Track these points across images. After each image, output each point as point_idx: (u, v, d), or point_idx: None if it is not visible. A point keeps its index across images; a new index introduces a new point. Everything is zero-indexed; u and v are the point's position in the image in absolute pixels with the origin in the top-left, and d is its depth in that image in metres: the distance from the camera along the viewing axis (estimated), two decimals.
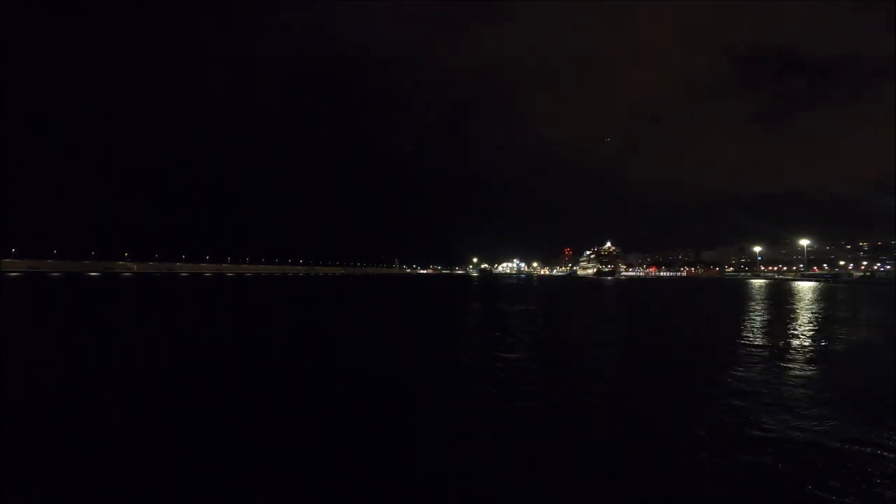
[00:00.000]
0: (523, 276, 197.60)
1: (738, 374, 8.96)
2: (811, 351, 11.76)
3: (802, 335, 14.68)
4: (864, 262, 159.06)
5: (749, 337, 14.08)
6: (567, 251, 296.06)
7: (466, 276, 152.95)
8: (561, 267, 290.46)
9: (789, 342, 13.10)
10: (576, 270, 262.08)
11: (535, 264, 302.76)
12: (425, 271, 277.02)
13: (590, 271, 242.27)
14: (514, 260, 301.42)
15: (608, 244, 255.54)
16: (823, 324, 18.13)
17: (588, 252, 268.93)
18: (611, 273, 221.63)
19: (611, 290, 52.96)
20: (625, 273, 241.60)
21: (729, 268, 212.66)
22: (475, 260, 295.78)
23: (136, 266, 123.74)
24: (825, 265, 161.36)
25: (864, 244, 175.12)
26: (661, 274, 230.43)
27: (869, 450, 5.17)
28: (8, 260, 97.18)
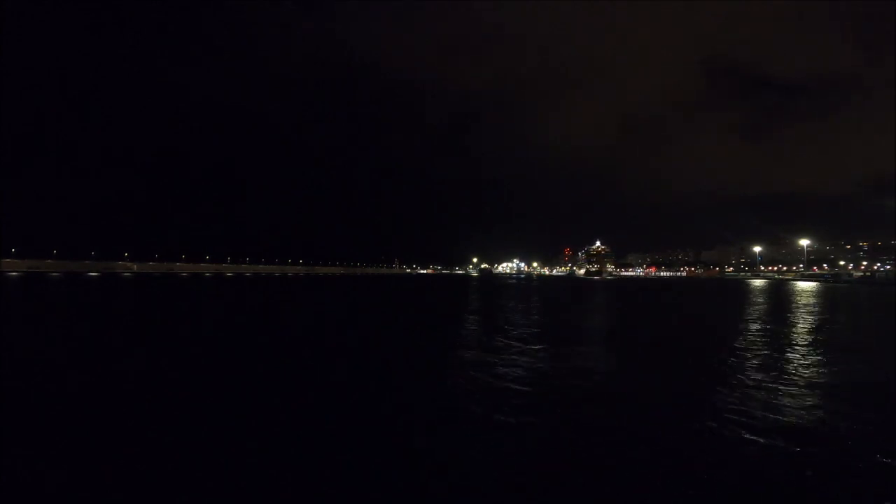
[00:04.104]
0: (523, 276, 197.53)
1: None
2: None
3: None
4: (864, 262, 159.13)
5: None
6: (567, 251, 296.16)
7: (466, 276, 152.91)
8: (561, 267, 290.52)
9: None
10: (575, 270, 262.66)
11: (535, 264, 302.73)
12: (425, 271, 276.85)
13: (582, 271, 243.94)
14: (515, 260, 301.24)
15: (597, 244, 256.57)
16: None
17: (581, 252, 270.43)
18: (598, 273, 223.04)
19: (572, 290, 52.93)
20: (624, 273, 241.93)
21: (729, 268, 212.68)
22: (475, 260, 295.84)
23: (136, 266, 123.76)
24: (825, 265, 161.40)
25: (864, 244, 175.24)
26: (661, 274, 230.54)
27: None
28: (8, 260, 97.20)
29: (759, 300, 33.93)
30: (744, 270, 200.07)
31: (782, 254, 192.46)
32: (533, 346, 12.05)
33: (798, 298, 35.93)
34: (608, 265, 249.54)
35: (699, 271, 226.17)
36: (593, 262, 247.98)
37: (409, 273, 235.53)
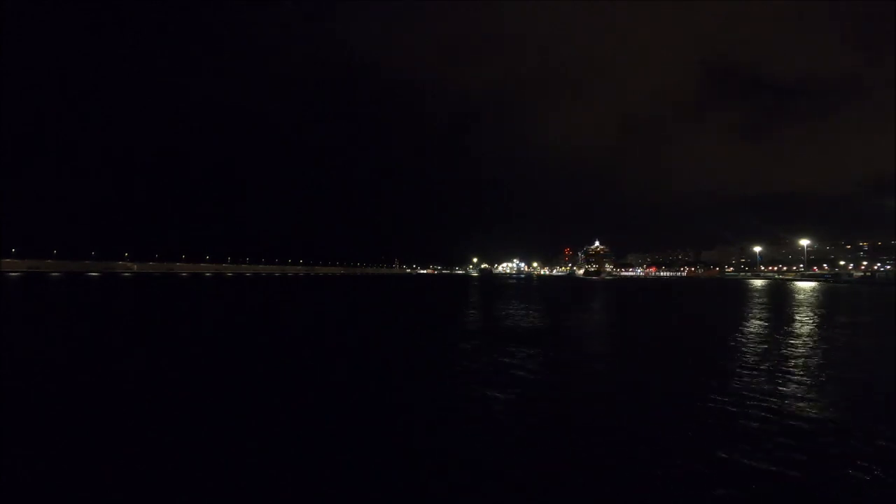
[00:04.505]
0: (523, 276, 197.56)
1: None
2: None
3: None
4: (864, 262, 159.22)
5: None
6: (567, 251, 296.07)
7: (466, 277, 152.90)
8: (561, 267, 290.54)
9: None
10: (575, 270, 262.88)
11: (535, 264, 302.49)
12: (425, 271, 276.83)
13: (581, 271, 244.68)
14: (515, 260, 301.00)
15: (596, 244, 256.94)
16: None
17: (580, 252, 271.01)
18: (596, 273, 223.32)
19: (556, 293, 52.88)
20: (624, 273, 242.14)
21: (729, 268, 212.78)
22: (475, 260, 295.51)
23: (136, 266, 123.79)
24: (825, 265, 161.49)
25: (864, 244, 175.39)
26: (661, 274, 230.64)
27: None
28: (8, 260, 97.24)
29: (759, 301, 33.92)
30: (744, 270, 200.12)
31: (782, 254, 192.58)
32: (531, 346, 12.05)
33: (798, 298, 35.92)
34: (607, 265, 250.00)
35: (699, 271, 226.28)
36: (592, 262, 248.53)
37: (409, 273, 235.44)
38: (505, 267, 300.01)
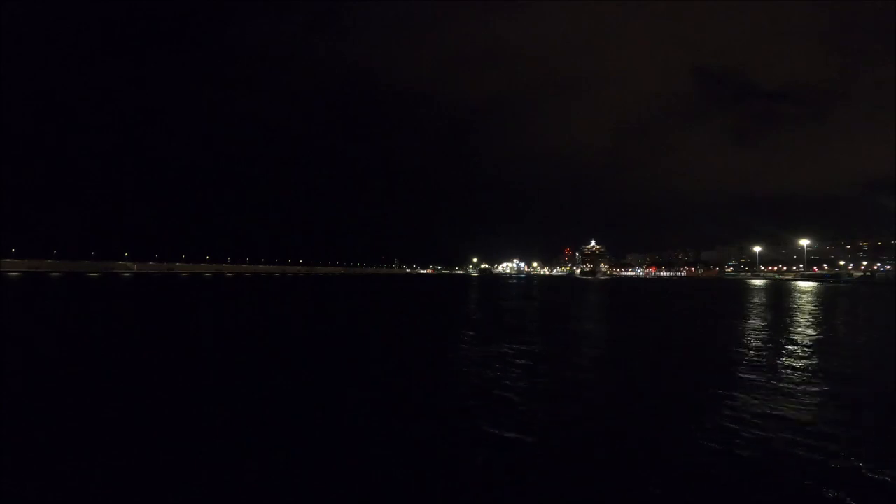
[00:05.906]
0: (523, 276, 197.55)
1: None
2: None
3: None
4: (864, 262, 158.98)
5: None
6: (567, 251, 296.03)
7: (466, 277, 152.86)
8: (561, 267, 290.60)
9: None
10: (574, 270, 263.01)
11: (535, 264, 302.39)
12: (425, 271, 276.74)
13: (578, 271, 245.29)
14: (515, 260, 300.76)
15: (592, 243, 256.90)
16: None
17: (577, 253, 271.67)
18: (591, 273, 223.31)
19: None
20: (623, 273, 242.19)
21: (729, 268, 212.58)
22: (475, 260, 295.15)
23: (136, 266, 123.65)
24: (825, 265, 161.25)
25: (864, 244, 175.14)
26: (661, 274, 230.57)
27: None
28: (8, 260, 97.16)
29: (759, 301, 33.93)
30: (744, 270, 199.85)
31: (782, 254, 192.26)
32: (529, 348, 12.08)
33: (798, 299, 35.93)
34: (603, 265, 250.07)
35: (699, 271, 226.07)
36: (588, 262, 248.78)
37: (409, 273, 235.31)
38: (505, 267, 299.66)
